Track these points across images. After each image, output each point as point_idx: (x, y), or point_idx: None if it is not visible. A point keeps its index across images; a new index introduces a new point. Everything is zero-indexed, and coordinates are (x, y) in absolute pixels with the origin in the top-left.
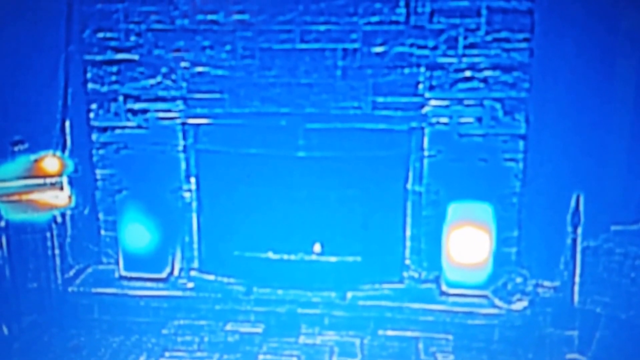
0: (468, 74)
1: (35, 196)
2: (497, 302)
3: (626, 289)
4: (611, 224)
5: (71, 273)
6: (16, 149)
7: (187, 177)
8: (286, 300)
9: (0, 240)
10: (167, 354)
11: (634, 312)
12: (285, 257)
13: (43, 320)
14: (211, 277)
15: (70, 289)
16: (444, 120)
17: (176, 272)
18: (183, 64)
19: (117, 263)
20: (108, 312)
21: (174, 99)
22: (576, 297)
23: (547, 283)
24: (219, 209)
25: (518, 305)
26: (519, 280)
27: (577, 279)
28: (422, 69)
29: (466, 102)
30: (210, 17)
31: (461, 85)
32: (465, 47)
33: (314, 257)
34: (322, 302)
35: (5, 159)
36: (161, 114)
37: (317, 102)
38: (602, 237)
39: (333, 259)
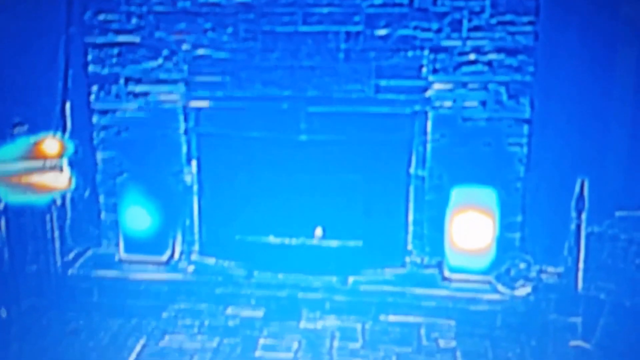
0: (472, 57)
1: (34, 178)
2: (500, 287)
3: (631, 276)
4: (616, 209)
5: (71, 256)
6: (16, 130)
7: (188, 160)
8: (287, 285)
9: (0, 222)
10: (167, 337)
11: (638, 299)
12: (287, 241)
13: (42, 304)
14: (212, 261)
15: (69, 272)
16: (448, 103)
17: (177, 256)
18: (184, 47)
19: (117, 246)
20: (108, 295)
21: (175, 81)
22: (580, 284)
23: (550, 269)
24: (220, 192)
25: (521, 291)
26: (522, 266)
27: (581, 265)
28: (426, 52)
29: (470, 85)
30: None
31: (465, 69)
32: (470, 30)
33: (315, 241)
34: (323, 286)
35: (4, 140)
36: (162, 97)
37: (320, 85)
38: (607, 223)
39: (334, 243)
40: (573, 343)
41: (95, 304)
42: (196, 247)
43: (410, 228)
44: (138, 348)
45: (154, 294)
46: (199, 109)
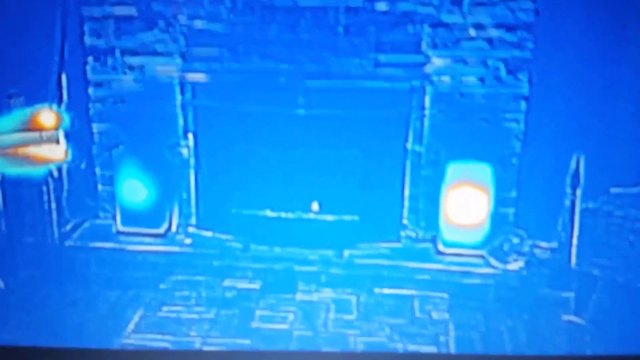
0: (472, 32)
1: (31, 150)
2: (492, 261)
3: (624, 252)
4: (611, 186)
5: (68, 227)
6: (12, 102)
7: (185, 133)
8: (283, 258)
9: None
10: (164, 308)
11: (631, 275)
12: (283, 215)
13: (39, 275)
14: (209, 234)
15: (67, 244)
16: (446, 79)
17: (174, 228)
18: (181, 19)
19: (114, 218)
20: (105, 267)
21: (171, 54)
22: (573, 259)
23: (544, 244)
24: (217, 165)
25: (514, 266)
26: (515, 240)
27: (574, 240)
28: (426, 27)
29: (469, 61)
30: None
31: (464, 44)
32: (470, 5)
33: (311, 215)
34: (319, 260)
35: (1, 112)
36: (159, 69)
37: (318, 60)
38: (602, 199)
39: (330, 217)
40: (565, 317)
41: (93, 275)
42: (193, 220)
43: (406, 203)
44: (136, 319)
45: (152, 266)
46: (195, 82)
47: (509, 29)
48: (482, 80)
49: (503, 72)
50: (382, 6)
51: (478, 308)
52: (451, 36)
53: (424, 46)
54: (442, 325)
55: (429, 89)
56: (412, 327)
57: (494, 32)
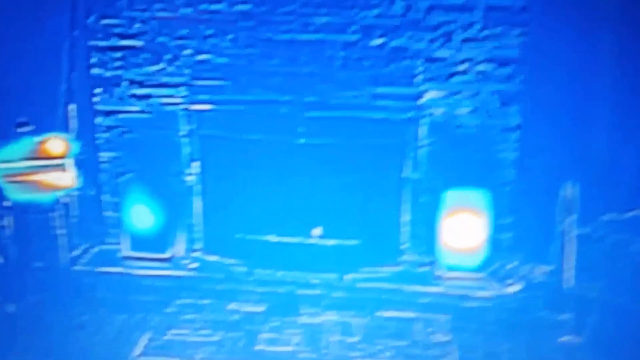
0: (464, 67)
1: (40, 177)
2: (491, 285)
3: (618, 275)
4: (604, 212)
5: (76, 253)
6: (21, 130)
7: (190, 161)
8: (286, 282)
9: (6, 220)
10: (170, 332)
11: (625, 298)
12: (286, 239)
13: (48, 299)
14: (214, 258)
15: (75, 268)
16: (440, 111)
17: (180, 253)
18: (186, 52)
19: (121, 243)
20: (112, 291)
21: (177, 85)
22: (569, 282)
23: (540, 268)
24: (221, 192)
25: (512, 289)
26: (513, 264)
27: (570, 264)
28: (420, 62)
29: (462, 94)
30: (213, 6)
31: (457, 78)
32: (462, 41)
33: (313, 240)
34: (322, 283)
35: (9, 140)
36: (165, 100)
37: (317, 91)
38: (595, 225)
39: (332, 242)
40: (562, 339)
41: (101, 300)
42: (199, 245)
43: (405, 228)
44: (143, 342)
45: (158, 290)
46: (200, 112)
47: (500, 63)
48: (475, 111)
49: (495, 104)
50: (377, 41)
51: (478, 330)
52: (444, 70)
53: (418, 79)
54: (443, 347)
55: (424, 119)
56: (413, 349)
57: (485, 67)
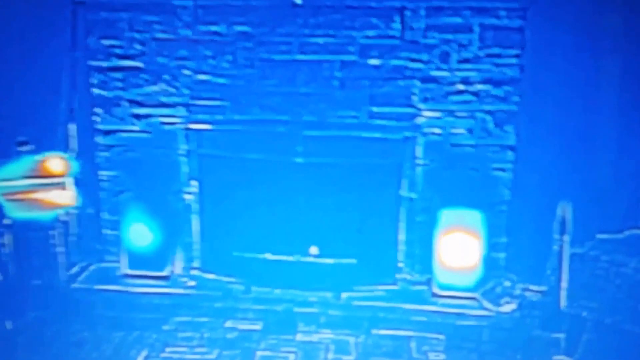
0: (460, 87)
1: (40, 195)
2: (486, 304)
3: (611, 295)
4: (597, 232)
5: (74, 270)
6: (21, 149)
7: (189, 180)
8: (284, 300)
9: (6, 237)
10: (168, 349)
11: (618, 317)
12: (283, 258)
13: (47, 316)
14: (212, 276)
15: (73, 286)
16: (437, 130)
17: (178, 271)
18: (185, 72)
19: (120, 261)
20: (111, 309)
21: (176, 105)
22: (563, 302)
23: (534, 287)
24: (220, 211)
25: (506, 308)
26: (507, 284)
27: (564, 284)
28: (416, 82)
29: (458, 114)
30: (212, 28)
31: (453, 98)
32: (458, 61)
33: (310, 258)
34: (318, 301)
35: (10, 158)
36: (164, 119)
37: (315, 111)
38: (589, 245)
39: (329, 260)
40: (556, 358)
41: (99, 317)
42: (197, 263)
43: (401, 247)
44: (140, 359)
45: (156, 308)
46: (200, 132)
47: (496, 84)
48: (470, 131)
49: (491, 124)
50: (374, 61)
51: (473, 349)
52: (441, 90)
53: (414, 99)
54: None
55: (420, 139)
56: None
57: (481, 87)
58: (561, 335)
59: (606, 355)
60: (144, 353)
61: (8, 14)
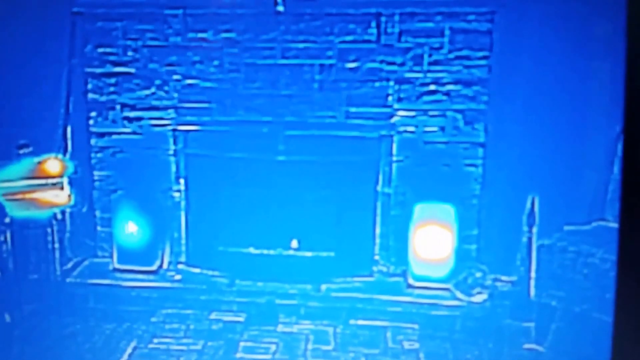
0: (432, 87)
1: (37, 195)
2: (458, 294)
3: (579, 284)
4: (564, 224)
5: (69, 265)
6: (21, 152)
7: (177, 178)
8: (266, 292)
9: (5, 235)
10: (155, 340)
11: (586, 306)
12: (265, 252)
13: (42, 309)
14: (197, 270)
15: (68, 280)
16: (411, 129)
17: (165, 265)
18: (175, 77)
19: (111, 256)
20: (102, 302)
21: (166, 108)
22: (532, 291)
23: (505, 278)
24: (205, 207)
25: (478, 298)
26: (478, 275)
27: (533, 274)
28: (391, 83)
29: (431, 113)
30: (200, 35)
31: (426, 98)
32: (430, 63)
33: (291, 252)
34: (299, 293)
35: (11, 161)
36: (154, 122)
37: (296, 112)
38: (556, 236)
39: (309, 254)
40: (527, 346)
41: (91, 310)
42: (183, 257)
43: (377, 240)
44: (129, 350)
45: (144, 300)
46: (187, 132)
47: (466, 84)
48: (442, 129)
49: (461, 123)
50: (352, 65)
51: (446, 338)
52: (414, 91)
53: (390, 100)
54: (414, 355)
55: (395, 137)
56: (385, 357)
57: (451, 87)
58: (531, 324)
59: (575, 343)
60: (132, 344)
61: (11, 26)
